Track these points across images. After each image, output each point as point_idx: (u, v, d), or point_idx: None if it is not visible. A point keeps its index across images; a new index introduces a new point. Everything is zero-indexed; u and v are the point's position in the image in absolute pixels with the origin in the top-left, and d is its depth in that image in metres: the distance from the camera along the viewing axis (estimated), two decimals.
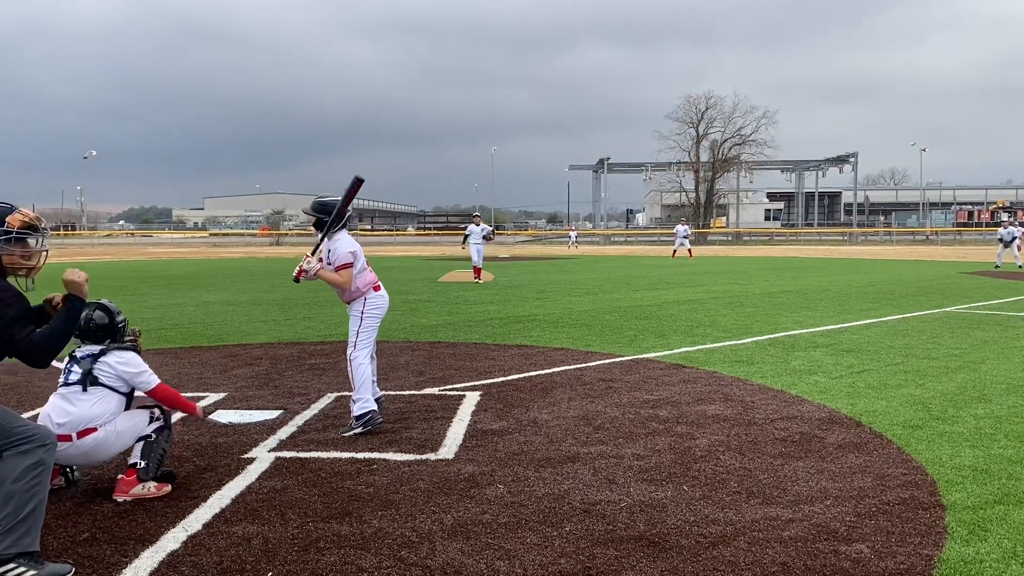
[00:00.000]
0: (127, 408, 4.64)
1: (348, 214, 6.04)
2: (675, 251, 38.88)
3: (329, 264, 5.95)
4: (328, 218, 5.92)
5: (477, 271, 21.70)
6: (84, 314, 4.71)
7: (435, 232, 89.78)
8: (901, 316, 12.97)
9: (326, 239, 5.97)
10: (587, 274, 25.48)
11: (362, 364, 5.95)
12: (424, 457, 5.28)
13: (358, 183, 5.95)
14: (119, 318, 4.82)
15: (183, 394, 7.16)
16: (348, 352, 6.01)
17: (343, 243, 5.94)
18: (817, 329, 11.40)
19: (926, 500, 4.44)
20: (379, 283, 6.20)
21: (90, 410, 4.44)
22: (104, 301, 4.86)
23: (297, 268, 5.91)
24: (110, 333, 4.73)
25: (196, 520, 4.16)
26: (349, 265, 5.87)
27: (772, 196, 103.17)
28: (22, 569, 3.39)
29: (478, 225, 22.67)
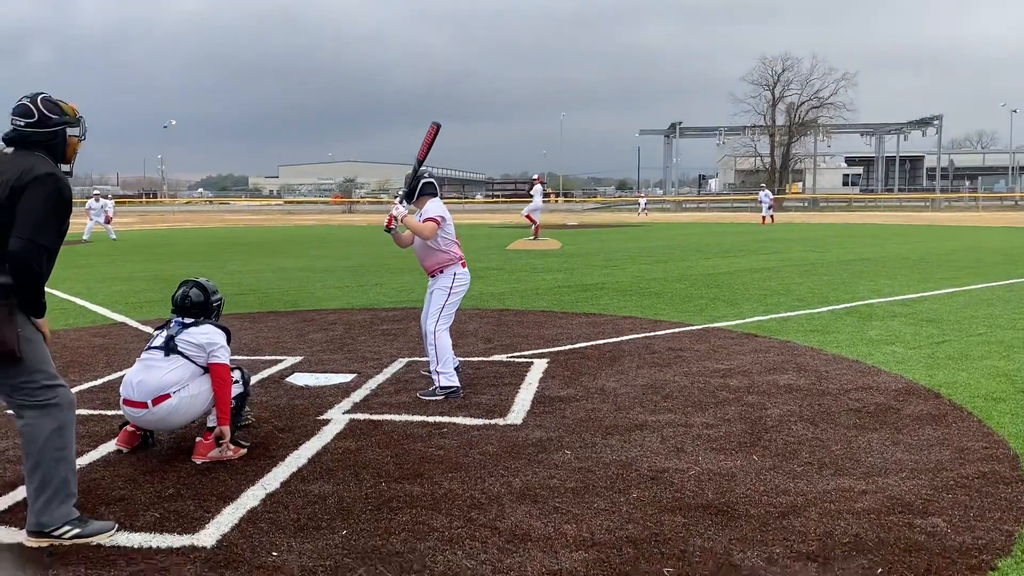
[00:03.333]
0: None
1: (428, 177, 6.09)
2: (764, 217, 37.96)
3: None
4: (414, 186, 6.02)
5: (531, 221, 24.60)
6: (181, 290, 4.90)
7: (503, 199, 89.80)
8: (986, 285, 12.49)
9: (414, 203, 6.06)
10: (657, 241, 25.21)
11: (445, 339, 6.03)
12: (493, 422, 5.35)
13: (435, 128, 6.02)
14: (214, 297, 4.95)
15: (261, 357, 7.42)
16: (431, 326, 6.06)
17: (434, 205, 6.05)
18: (896, 298, 11.07)
19: (1008, 475, 4.30)
20: (465, 260, 6.26)
21: (165, 377, 4.56)
22: (202, 280, 5.00)
23: (388, 216, 5.96)
24: (204, 310, 4.87)
25: (275, 479, 4.32)
26: (436, 221, 5.94)
27: (851, 161, 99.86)
28: (66, 527, 3.51)
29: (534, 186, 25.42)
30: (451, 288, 6.11)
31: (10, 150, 3.59)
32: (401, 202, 5.99)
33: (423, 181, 6.06)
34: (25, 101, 3.57)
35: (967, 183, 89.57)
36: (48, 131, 3.55)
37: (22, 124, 3.53)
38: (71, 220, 3.67)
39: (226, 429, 4.60)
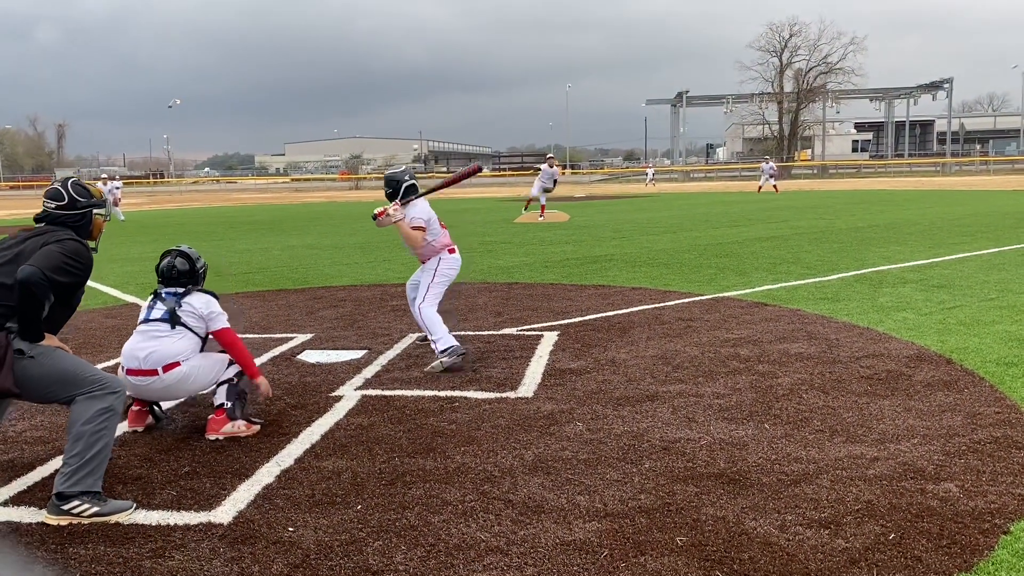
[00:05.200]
0: (202, 350, 4.81)
1: (416, 188, 6.25)
2: (760, 186, 38.78)
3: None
4: (395, 189, 6.18)
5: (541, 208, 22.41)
6: (166, 260, 4.92)
7: (510, 172, 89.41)
8: (998, 249, 12.41)
9: (400, 205, 6.19)
10: (665, 212, 25.11)
11: (431, 314, 6.20)
12: (504, 395, 5.37)
13: (475, 169, 6.26)
14: (199, 264, 4.97)
15: (272, 335, 7.45)
16: (417, 303, 6.28)
17: (419, 209, 6.19)
18: (907, 264, 11.01)
19: (1020, 439, 4.30)
20: (454, 246, 6.44)
21: (174, 345, 4.62)
22: (184, 247, 5.01)
23: (381, 208, 6.16)
24: (191, 278, 4.89)
25: (288, 455, 4.35)
26: (422, 228, 6.14)
27: (860, 126, 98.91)
28: (86, 506, 3.58)
29: (551, 167, 22.91)
30: (436, 271, 6.31)
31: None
32: (392, 202, 6.19)
33: (406, 184, 6.19)
34: (56, 186, 3.90)
35: (978, 147, 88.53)
36: (77, 213, 3.89)
37: (53, 207, 3.85)
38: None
39: (260, 380, 4.74)
